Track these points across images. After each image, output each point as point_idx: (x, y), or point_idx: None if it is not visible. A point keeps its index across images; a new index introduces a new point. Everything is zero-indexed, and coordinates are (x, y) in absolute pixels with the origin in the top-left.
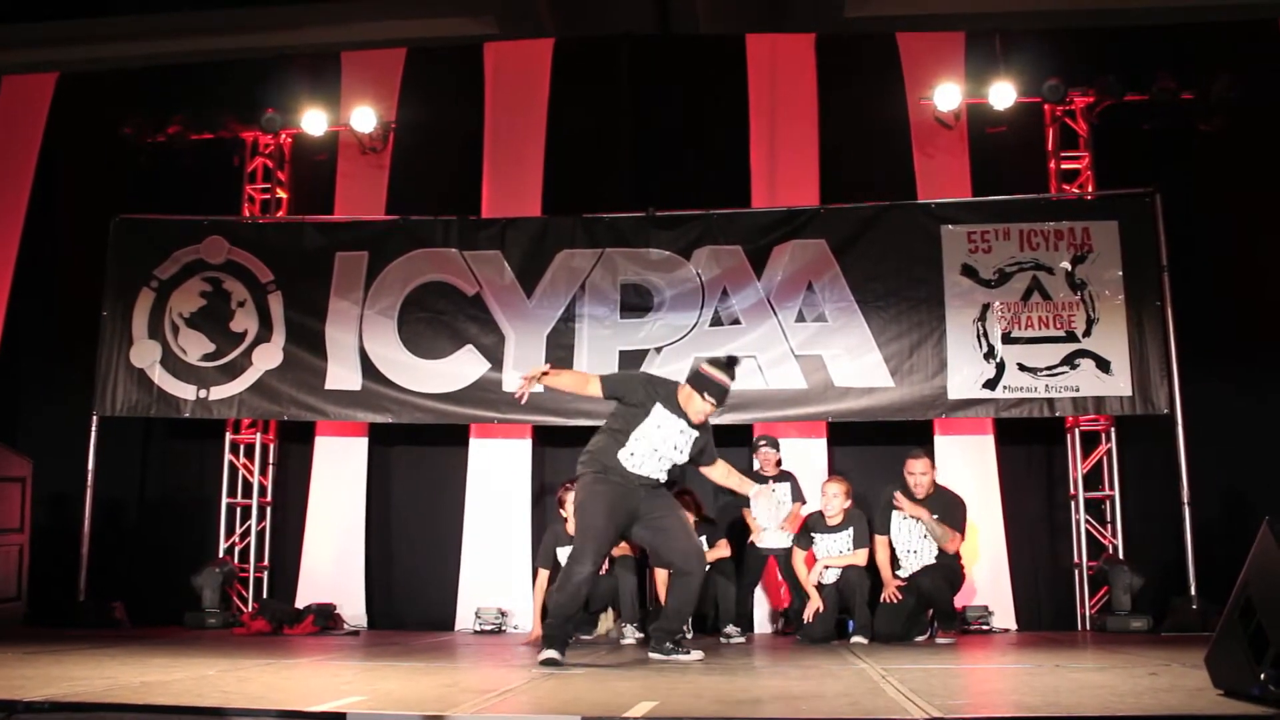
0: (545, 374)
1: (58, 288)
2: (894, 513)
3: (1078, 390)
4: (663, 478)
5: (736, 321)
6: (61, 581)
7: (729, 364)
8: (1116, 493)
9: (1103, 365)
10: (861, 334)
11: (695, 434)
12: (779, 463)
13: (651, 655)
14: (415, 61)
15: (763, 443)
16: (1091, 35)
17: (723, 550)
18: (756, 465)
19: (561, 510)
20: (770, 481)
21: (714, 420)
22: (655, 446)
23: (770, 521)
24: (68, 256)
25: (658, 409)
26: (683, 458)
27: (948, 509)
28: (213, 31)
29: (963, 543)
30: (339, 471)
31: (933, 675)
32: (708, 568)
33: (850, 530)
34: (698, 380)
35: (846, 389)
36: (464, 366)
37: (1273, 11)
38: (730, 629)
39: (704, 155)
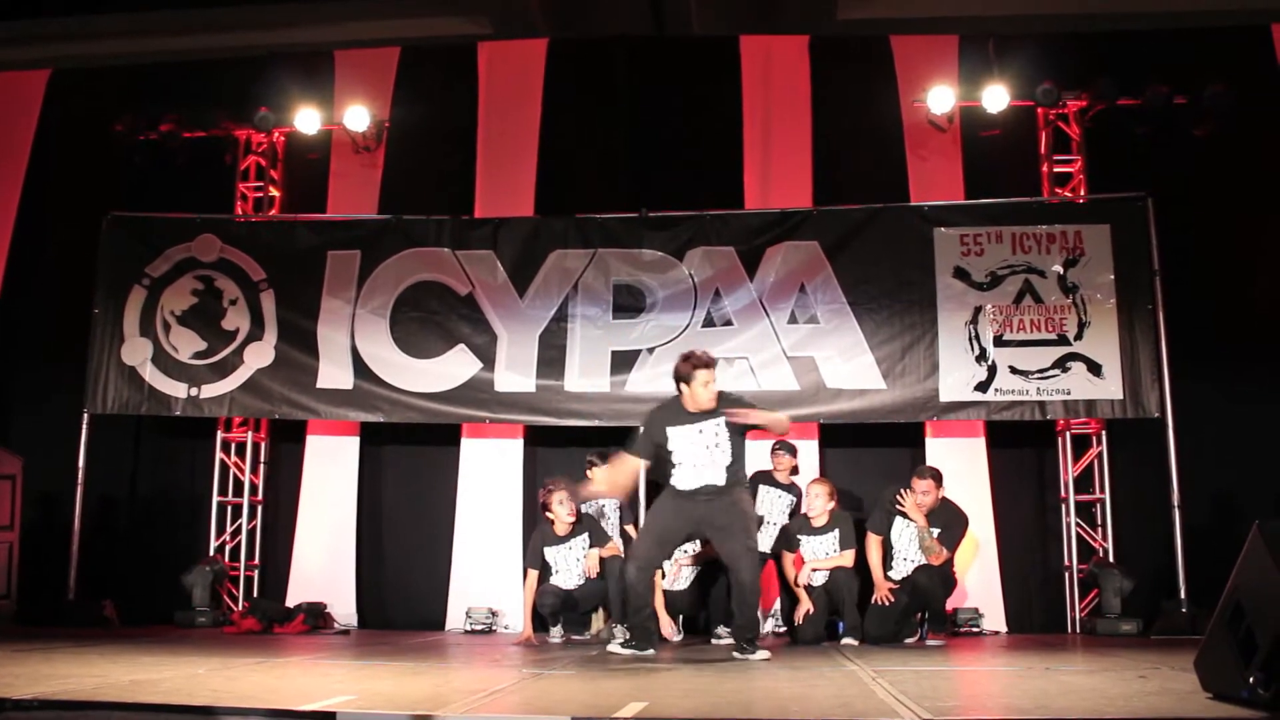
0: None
1: (49, 285)
2: (896, 517)
3: (1069, 393)
4: (721, 480)
5: (729, 323)
6: (51, 579)
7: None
8: (1107, 496)
9: (1094, 368)
10: (854, 336)
11: (716, 422)
12: (794, 469)
13: (733, 654)
14: (409, 61)
15: (779, 446)
16: (1085, 39)
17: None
18: (770, 467)
19: (546, 513)
20: (778, 489)
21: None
22: (694, 461)
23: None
24: (59, 254)
25: (671, 432)
26: (726, 454)
27: (948, 526)
28: (206, 29)
29: (948, 559)
30: (330, 470)
31: (923, 677)
32: (746, 569)
33: (836, 532)
34: (676, 376)
35: (838, 391)
36: (456, 366)
37: (1265, 17)
38: (721, 630)
39: (697, 156)
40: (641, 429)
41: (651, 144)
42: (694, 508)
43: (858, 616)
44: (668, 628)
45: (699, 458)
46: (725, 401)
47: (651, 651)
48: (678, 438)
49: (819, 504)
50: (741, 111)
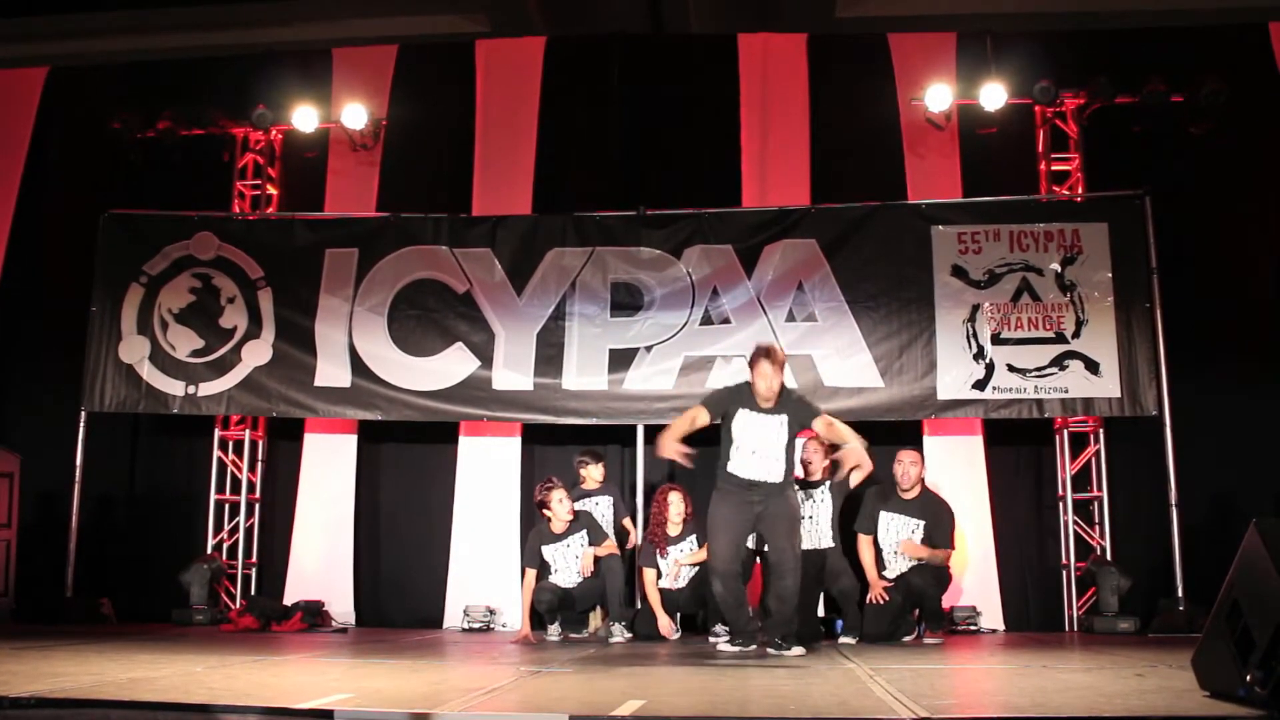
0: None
1: (46, 283)
2: (881, 512)
3: (1066, 391)
4: (777, 476)
5: (727, 320)
6: (49, 577)
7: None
8: (1105, 494)
9: (1091, 367)
10: (851, 334)
11: (782, 418)
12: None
13: (767, 650)
14: (407, 58)
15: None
16: (1082, 37)
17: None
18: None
19: (545, 511)
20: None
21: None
22: (753, 448)
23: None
24: (56, 251)
25: (740, 413)
26: (781, 445)
27: (937, 517)
28: (204, 27)
29: (953, 554)
30: (328, 468)
31: (920, 675)
32: (734, 569)
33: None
34: (749, 363)
35: (836, 389)
36: (454, 364)
37: (1262, 15)
38: (719, 628)
39: (695, 155)
40: (718, 395)
41: (649, 142)
42: (752, 503)
43: (857, 615)
44: (665, 626)
45: (758, 445)
46: (790, 402)
47: (754, 648)
48: (743, 420)
49: (817, 460)
50: (739, 110)
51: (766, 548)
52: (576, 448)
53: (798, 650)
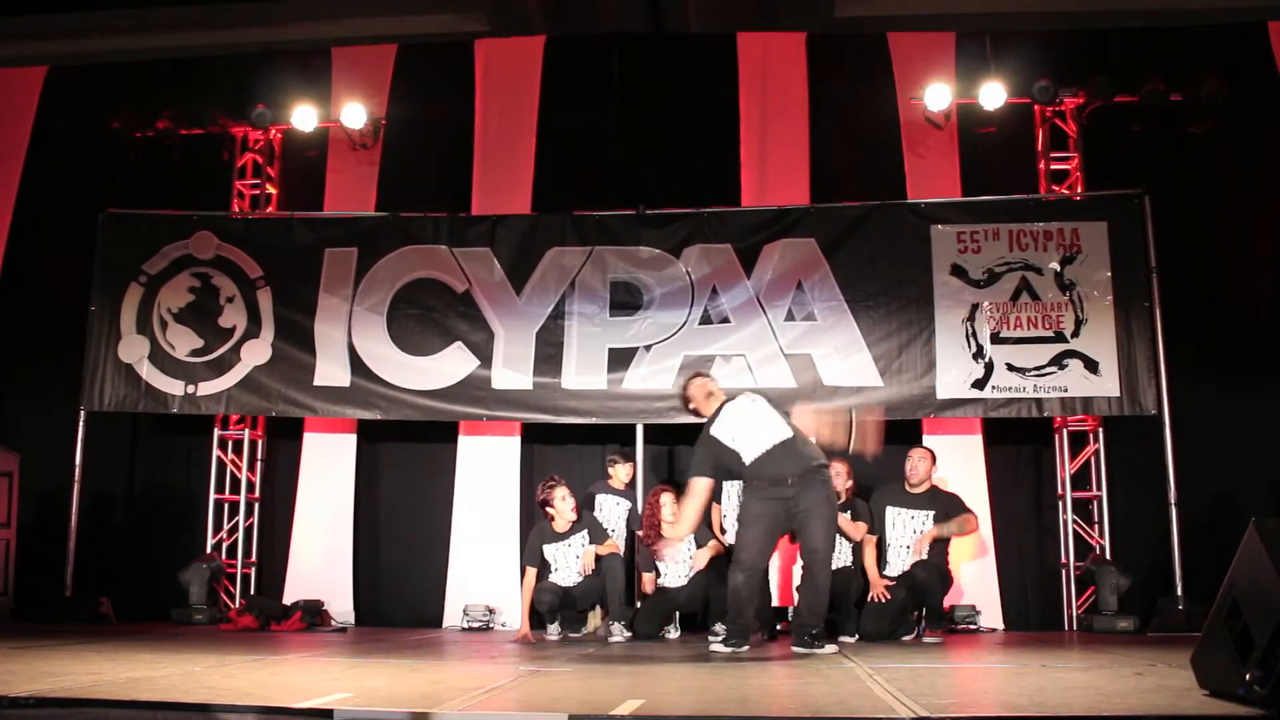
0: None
1: (46, 282)
2: (886, 509)
3: (1066, 391)
4: (783, 435)
5: (726, 320)
6: (48, 577)
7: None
8: (1104, 493)
9: (1091, 366)
10: (851, 333)
11: (759, 398)
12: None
13: (793, 649)
14: (406, 58)
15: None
16: (1082, 37)
17: (711, 550)
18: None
19: (548, 510)
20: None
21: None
22: (748, 429)
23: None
24: (56, 251)
25: (729, 408)
26: (766, 413)
27: (949, 505)
28: (203, 26)
29: (976, 521)
30: (327, 468)
31: (920, 674)
32: (755, 566)
33: (847, 514)
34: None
35: (835, 388)
36: (453, 364)
37: (1261, 15)
38: (719, 627)
39: (694, 154)
40: (699, 453)
41: (649, 141)
42: (785, 499)
43: (855, 614)
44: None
45: (754, 425)
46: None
47: (746, 648)
48: (734, 413)
49: (838, 483)
50: (739, 109)
51: (799, 537)
52: (576, 447)
53: (830, 648)
